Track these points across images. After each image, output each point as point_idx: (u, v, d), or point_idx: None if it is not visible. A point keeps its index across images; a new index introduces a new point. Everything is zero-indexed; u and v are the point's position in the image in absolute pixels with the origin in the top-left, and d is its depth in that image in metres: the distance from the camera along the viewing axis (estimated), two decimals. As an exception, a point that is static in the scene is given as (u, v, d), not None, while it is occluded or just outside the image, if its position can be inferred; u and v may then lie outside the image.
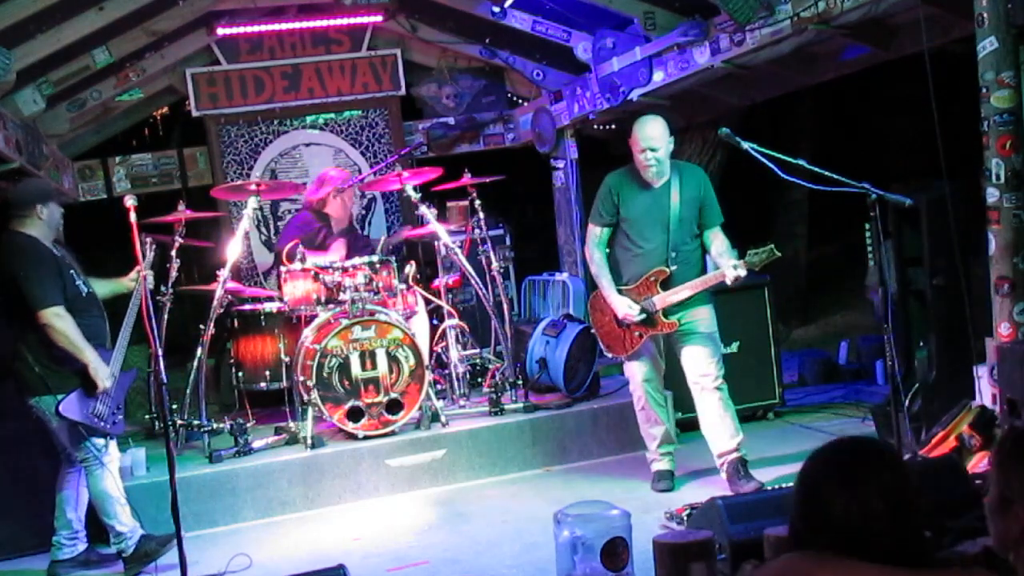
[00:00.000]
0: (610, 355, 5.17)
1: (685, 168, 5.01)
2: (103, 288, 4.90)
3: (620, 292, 4.92)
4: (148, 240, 5.22)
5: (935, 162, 4.50)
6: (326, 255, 6.16)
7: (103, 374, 4.43)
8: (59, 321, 4.36)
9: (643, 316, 4.84)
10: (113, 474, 4.56)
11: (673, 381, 5.25)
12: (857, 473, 1.91)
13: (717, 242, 4.91)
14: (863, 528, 1.86)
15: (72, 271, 4.58)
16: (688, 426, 5.42)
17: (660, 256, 4.86)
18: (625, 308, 4.84)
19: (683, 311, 4.88)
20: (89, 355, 4.41)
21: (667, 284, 4.84)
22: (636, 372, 5.02)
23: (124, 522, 4.58)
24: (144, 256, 4.83)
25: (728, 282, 4.71)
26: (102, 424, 4.47)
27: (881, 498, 1.87)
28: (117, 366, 4.57)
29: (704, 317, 4.92)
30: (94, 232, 8.71)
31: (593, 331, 5.16)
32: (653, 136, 4.77)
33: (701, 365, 4.88)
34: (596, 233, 5.01)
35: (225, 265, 5.73)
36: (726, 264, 4.73)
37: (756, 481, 4.74)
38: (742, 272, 4.66)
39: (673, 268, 4.84)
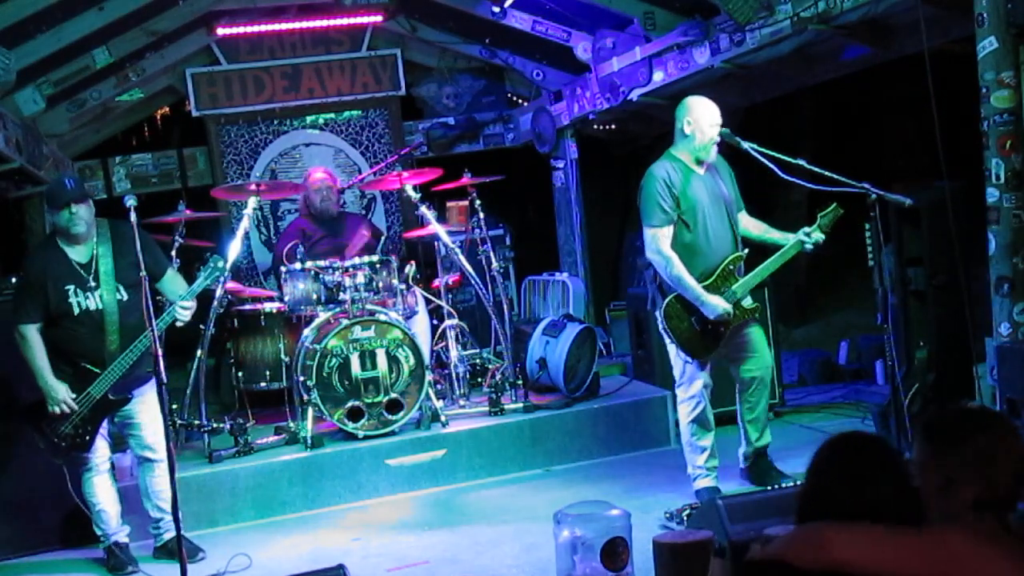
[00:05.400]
0: (694, 361, 4.61)
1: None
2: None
3: None
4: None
5: (935, 162, 4.50)
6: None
7: (52, 399, 4.38)
8: (20, 339, 4.43)
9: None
10: (94, 483, 4.61)
11: (671, 381, 5.23)
12: (865, 469, 2.10)
13: (755, 222, 4.80)
14: (872, 512, 2.04)
15: (72, 286, 4.37)
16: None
17: (730, 242, 4.64)
18: (722, 306, 4.47)
19: (752, 298, 4.70)
20: (42, 379, 4.39)
21: (740, 270, 4.65)
22: (698, 377, 4.63)
23: (99, 527, 4.68)
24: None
25: (809, 248, 4.55)
26: (46, 442, 4.47)
27: (888, 486, 2.08)
28: (101, 388, 4.39)
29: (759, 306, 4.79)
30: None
31: (671, 343, 4.61)
32: (718, 114, 4.61)
33: (766, 356, 4.76)
34: (665, 234, 4.51)
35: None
36: (788, 235, 4.60)
37: (787, 477, 4.71)
38: (819, 236, 4.52)
39: (745, 251, 4.66)
